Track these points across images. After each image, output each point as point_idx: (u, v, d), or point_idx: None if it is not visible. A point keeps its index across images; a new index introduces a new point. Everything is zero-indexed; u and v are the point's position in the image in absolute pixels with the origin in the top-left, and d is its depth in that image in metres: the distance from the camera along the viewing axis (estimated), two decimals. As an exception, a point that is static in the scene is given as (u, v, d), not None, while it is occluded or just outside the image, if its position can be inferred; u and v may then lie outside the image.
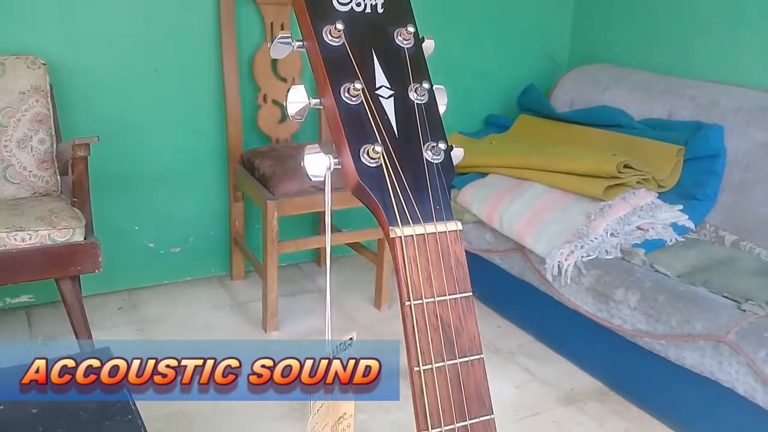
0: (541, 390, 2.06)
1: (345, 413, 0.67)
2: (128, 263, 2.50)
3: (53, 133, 2.13)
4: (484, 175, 2.52)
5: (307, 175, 0.54)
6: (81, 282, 2.05)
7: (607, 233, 2.10)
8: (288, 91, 0.56)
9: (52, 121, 2.13)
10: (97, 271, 1.89)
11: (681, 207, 2.21)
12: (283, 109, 2.54)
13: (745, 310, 1.75)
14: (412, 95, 0.57)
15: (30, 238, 1.81)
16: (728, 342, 1.68)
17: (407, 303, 0.51)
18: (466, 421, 0.51)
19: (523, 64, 3.04)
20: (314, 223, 2.75)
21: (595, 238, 2.09)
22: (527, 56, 3.05)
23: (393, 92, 0.56)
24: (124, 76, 2.35)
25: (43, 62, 2.11)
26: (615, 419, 1.93)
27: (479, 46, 2.94)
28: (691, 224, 2.20)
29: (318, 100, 0.56)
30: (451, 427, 0.51)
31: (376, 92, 0.55)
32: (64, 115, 2.25)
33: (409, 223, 0.53)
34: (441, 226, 0.54)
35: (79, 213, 1.93)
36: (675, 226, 2.17)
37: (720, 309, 1.77)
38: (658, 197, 2.22)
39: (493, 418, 0.52)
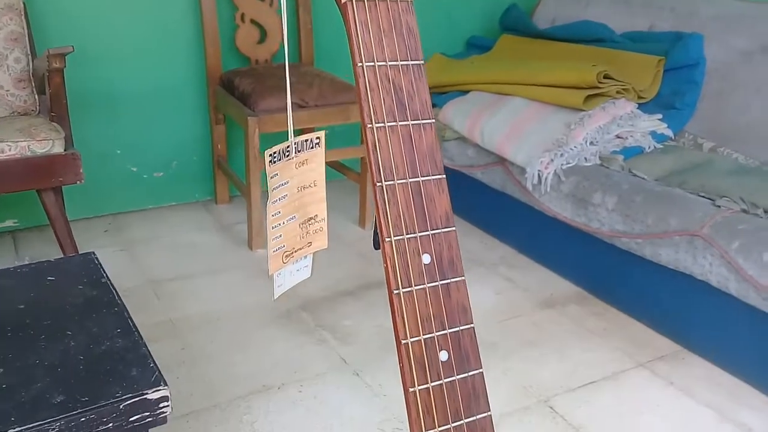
0: (522, 296, 2.10)
1: (316, 215, 0.69)
2: (112, 188, 2.50)
3: (29, 52, 2.11)
4: (465, 93, 2.52)
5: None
6: (66, 207, 2.05)
7: (586, 142, 2.12)
8: None
9: (27, 39, 2.10)
10: (78, 182, 1.89)
11: (660, 116, 2.23)
12: (261, 28, 2.51)
13: (719, 206, 1.78)
14: None
15: (10, 150, 1.81)
16: (702, 235, 1.72)
17: (359, 64, 0.52)
18: (418, 177, 0.53)
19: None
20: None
21: (575, 147, 2.10)
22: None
23: None
24: (99, -4, 2.32)
25: (15, -21, 2.08)
26: (593, 319, 1.98)
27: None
28: (669, 132, 2.21)
29: None
30: (404, 181, 0.52)
31: None
32: (40, 36, 2.22)
33: (360, -9, 0.54)
34: (392, -4, 0.55)
35: (58, 126, 1.93)
36: (654, 135, 2.19)
37: (695, 206, 1.80)
38: (637, 107, 2.23)
39: (445, 178, 0.54)
